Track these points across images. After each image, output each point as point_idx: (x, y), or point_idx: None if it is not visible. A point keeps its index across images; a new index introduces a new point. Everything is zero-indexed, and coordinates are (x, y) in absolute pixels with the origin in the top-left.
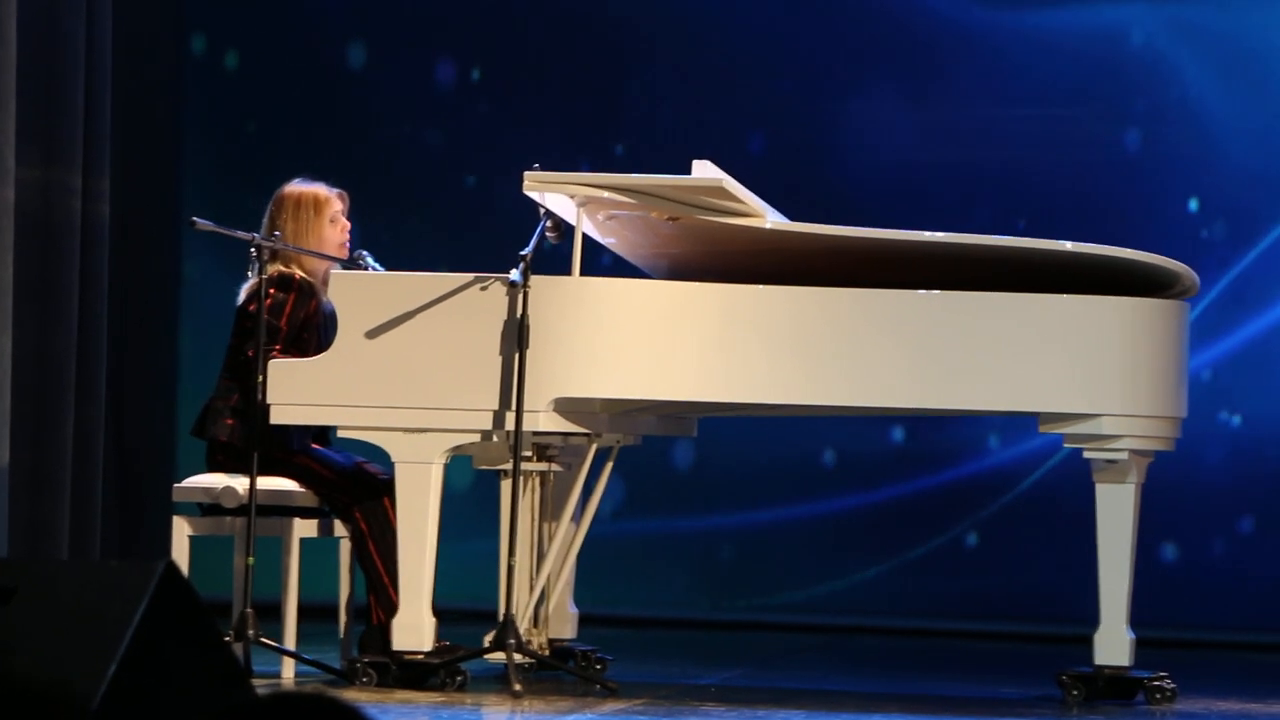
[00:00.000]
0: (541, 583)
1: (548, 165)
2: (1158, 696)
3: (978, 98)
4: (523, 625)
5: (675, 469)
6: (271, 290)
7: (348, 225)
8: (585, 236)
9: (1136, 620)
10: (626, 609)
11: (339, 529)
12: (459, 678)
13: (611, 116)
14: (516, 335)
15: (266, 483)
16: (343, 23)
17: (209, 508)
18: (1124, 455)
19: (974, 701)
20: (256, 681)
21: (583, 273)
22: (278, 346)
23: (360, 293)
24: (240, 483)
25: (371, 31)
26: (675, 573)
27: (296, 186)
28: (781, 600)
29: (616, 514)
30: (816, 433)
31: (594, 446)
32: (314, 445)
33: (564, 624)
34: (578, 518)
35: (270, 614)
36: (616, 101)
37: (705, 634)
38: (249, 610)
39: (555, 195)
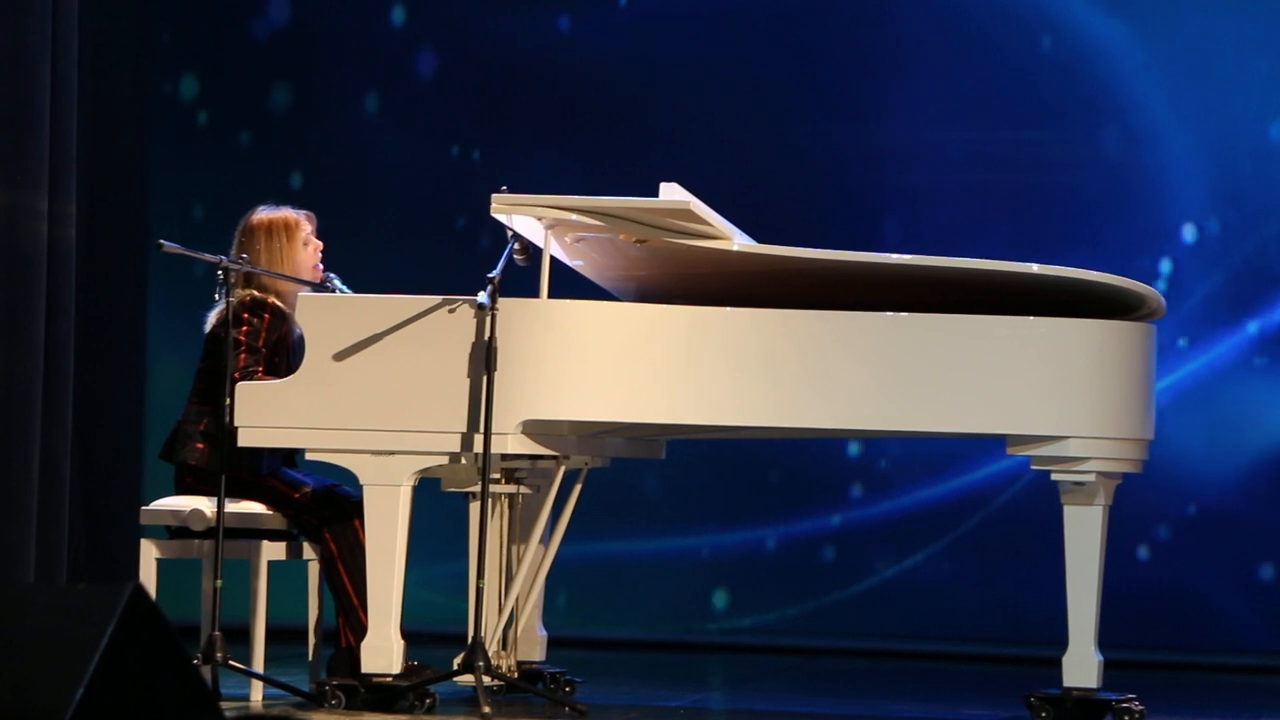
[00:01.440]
0: (510, 605)
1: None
2: (1126, 718)
3: (944, 118)
4: (491, 647)
5: (644, 491)
6: (246, 314)
7: (320, 245)
8: (553, 259)
9: (1105, 641)
10: (596, 631)
11: (307, 551)
12: (428, 700)
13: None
14: (484, 357)
15: (235, 505)
16: (309, 50)
17: (177, 530)
18: (1091, 477)
19: None
20: (225, 705)
21: (551, 295)
22: (261, 369)
23: (328, 315)
24: (208, 505)
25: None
26: (644, 595)
27: (265, 213)
28: (751, 622)
29: (585, 536)
30: (784, 454)
31: (562, 469)
32: (283, 468)
33: (533, 646)
34: (546, 540)
35: (239, 637)
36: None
37: (675, 656)
38: (217, 633)
39: (523, 217)
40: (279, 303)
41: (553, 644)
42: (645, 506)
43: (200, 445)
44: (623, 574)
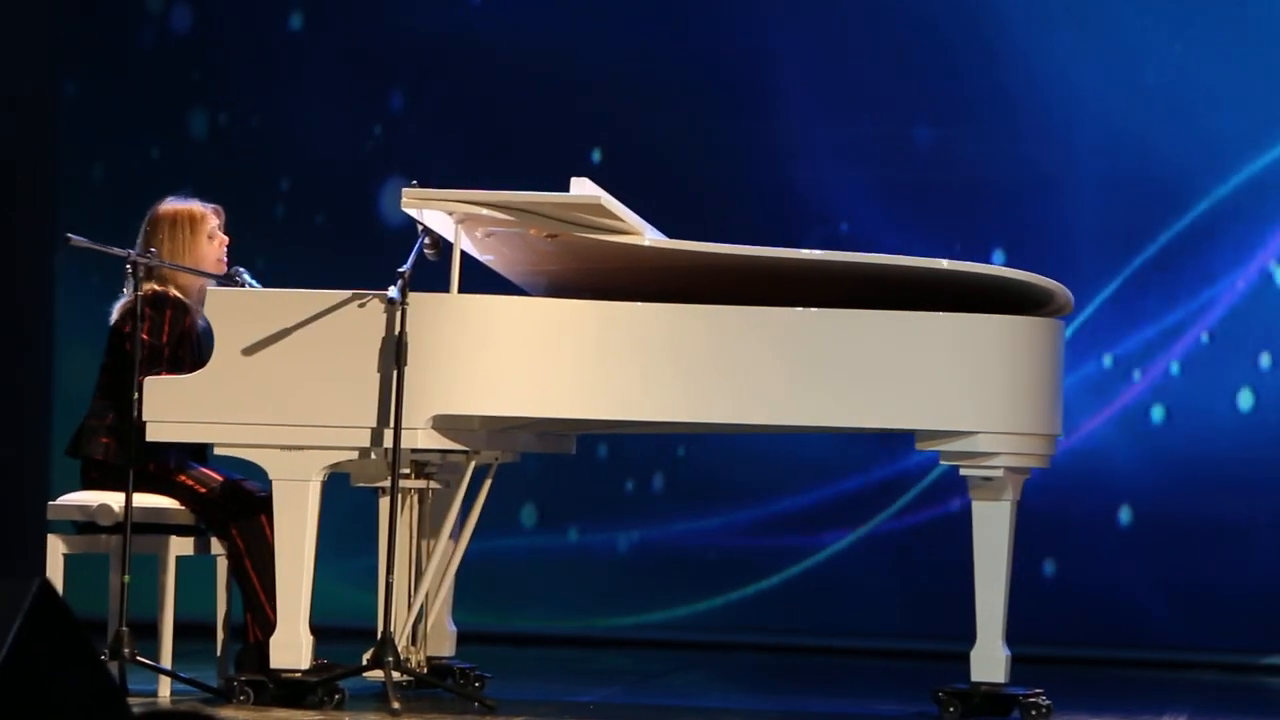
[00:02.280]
0: (420, 600)
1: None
2: (1033, 713)
3: (859, 112)
4: (401, 643)
5: (557, 485)
6: (147, 310)
7: (225, 240)
8: (464, 253)
9: (1012, 636)
10: (505, 625)
11: (216, 546)
12: (337, 696)
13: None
14: (395, 352)
15: (142, 500)
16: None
17: (84, 525)
18: (1000, 473)
19: (851, 718)
20: (133, 700)
21: (461, 290)
22: (162, 368)
23: (237, 310)
24: (116, 500)
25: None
26: (553, 589)
27: (171, 204)
28: (661, 617)
29: (497, 530)
30: (696, 449)
31: (472, 464)
32: (191, 463)
33: (442, 641)
34: (456, 535)
35: (147, 632)
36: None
37: (584, 651)
38: (125, 628)
39: (433, 212)
40: (180, 295)
41: (462, 639)
42: (558, 501)
43: (105, 440)
44: (533, 568)
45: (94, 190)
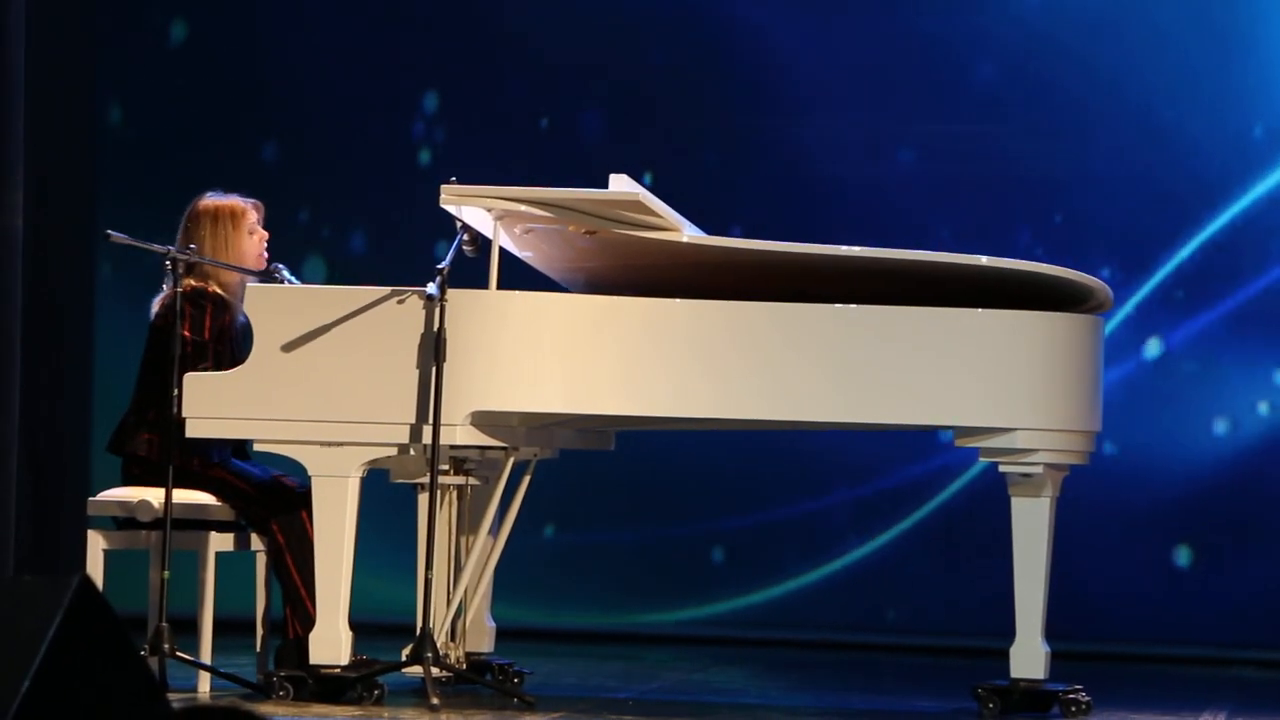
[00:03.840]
0: (459, 596)
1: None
2: (1073, 709)
3: (904, 110)
4: (440, 639)
5: (596, 482)
6: (188, 306)
7: (265, 235)
8: (502, 250)
9: (1051, 633)
10: (544, 622)
11: (255, 542)
12: (376, 691)
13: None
14: (433, 349)
15: (182, 496)
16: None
17: (124, 521)
18: (1039, 469)
19: (891, 714)
20: (172, 696)
21: (500, 286)
22: (208, 363)
23: (276, 306)
24: (156, 496)
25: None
26: (594, 586)
27: (212, 200)
28: (702, 614)
29: (535, 527)
30: (735, 446)
31: (511, 460)
32: (232, 459)
33: (481, 637)
34: (495, 531)
35: (186, 628)
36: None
37: (623, 647)
38: (164, 624)
39: (472, 209)
40: (221, 291)
41: (501, 635)
42: (597, 498)
43: (146, 436)
44: (574, 565)
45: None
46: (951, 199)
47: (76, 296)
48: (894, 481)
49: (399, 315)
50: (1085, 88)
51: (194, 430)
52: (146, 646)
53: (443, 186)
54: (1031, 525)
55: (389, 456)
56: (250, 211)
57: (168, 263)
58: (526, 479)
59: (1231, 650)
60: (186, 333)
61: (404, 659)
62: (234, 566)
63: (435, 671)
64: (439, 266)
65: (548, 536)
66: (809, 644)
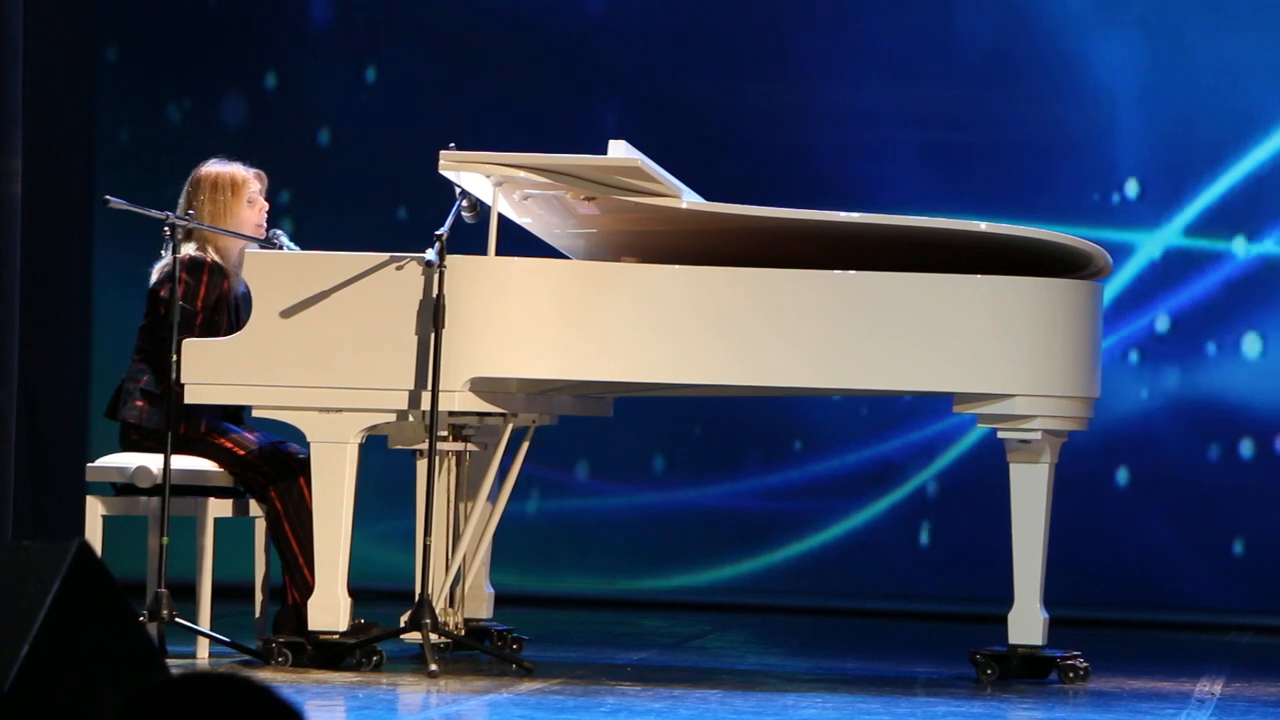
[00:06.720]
0: (457, 563)
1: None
2: (1070, 675)
3: (898, 75)
4: (438, 605)
5: (594, 448)
6: (183, 274)
7: (265, 206)
8: (501, 216)
9: (1050, 599)
10: (542, 588)
11: (254, 509)
12: (375, 658)
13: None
14: (432, 315)
15: (181, 462)
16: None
17: (123, 487)
18: (1037, 435)
19: (889, 680)
20: (171, 662)
21: (499, 252)
22: (195, 332)
23: (275, 272)
24: (154, 462)
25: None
26: (592, 552)
27: (214, 167)
28: (699, 580)
29: (534, 492)
30: (734, 412)
31: (510, 426)
32: (229, 425)
33: (480, 604)
34: (494, 497)
35: (185, 594)
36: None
37: (621, 613)
38: (163, 590)
39: (471, 174)
40: (219, 259)
41: (499, 601)
42: (594, 464)
43: (140, 402)
44: (571, 531)
45: (128, 153)
46: (950, 166)
47: (74, 262)
48: (892, 446)
49: (398, 281)
50: (1087, 57)
51: (193, 396)
52: (145, 612)
53: (441, 152)
54: (1030, 491)
55: (388, 423)
56: (252, 181)
57: (166, 229)
58: (525, 445)
59: (1229, 616)
60: (181, 300)
61: (402, 625)
62: (233, 532)
63: (434, 638)
64: (438, 233)
65: (545, 502)
66: (808, 610)
